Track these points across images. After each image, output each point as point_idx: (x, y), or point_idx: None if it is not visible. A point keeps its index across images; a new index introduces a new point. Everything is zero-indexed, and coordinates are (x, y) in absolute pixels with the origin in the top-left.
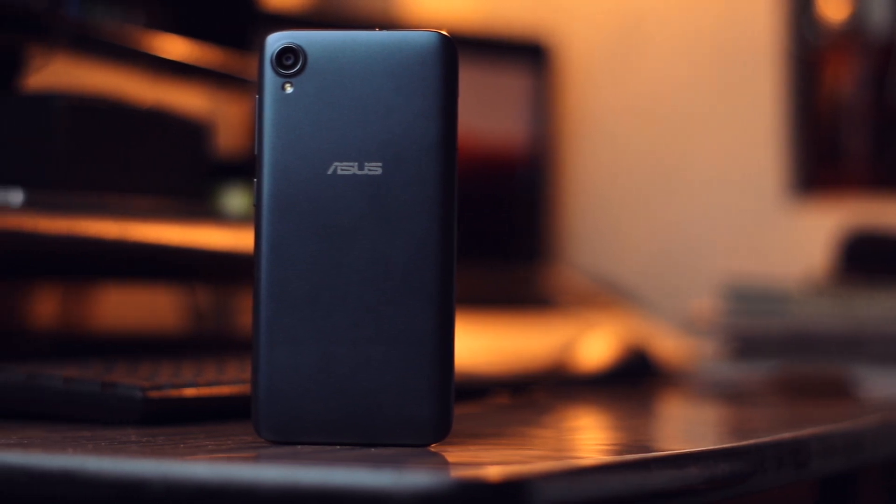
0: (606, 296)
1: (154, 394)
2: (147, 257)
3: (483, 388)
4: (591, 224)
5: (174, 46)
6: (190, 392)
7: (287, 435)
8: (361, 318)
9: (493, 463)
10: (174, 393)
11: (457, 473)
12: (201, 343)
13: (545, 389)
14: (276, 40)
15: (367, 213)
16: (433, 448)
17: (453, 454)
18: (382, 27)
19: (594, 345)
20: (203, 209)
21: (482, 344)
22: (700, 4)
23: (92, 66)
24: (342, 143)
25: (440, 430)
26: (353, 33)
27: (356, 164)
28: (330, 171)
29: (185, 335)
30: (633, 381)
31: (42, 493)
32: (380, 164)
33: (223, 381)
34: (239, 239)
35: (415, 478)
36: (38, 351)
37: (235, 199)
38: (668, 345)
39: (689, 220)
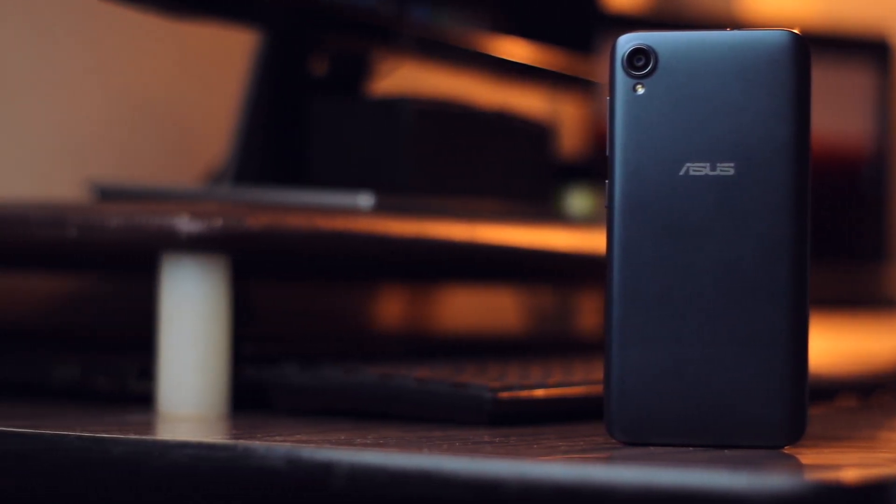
0: None
1: (504, 394)
2: (494, 259)
3: (831, 390)
4: None
5: (517, 49)
6: (540, 393)
7: (639, 436)
8: (713, 319)
9: (850, 466)
10: (524, 394)
11: (813, 476)
12: (546, 344)
13: (894, 392)
14: (626, 42)
15: (718, 213)
16: (787, 450)
17: (807, 456)
18: (732, 27)
19: None
20: (548, 211)
21: (829, 345)
22: None
23: (437, 69)
24: (694, 143)
25: (794, 432)
26: (703, 33)
27: (708, 164)
28: (682, 172)
29: (529, 336)
30: None
31: (400, 492)
32: (732, 164)
33: (572, 382)
34: (583, 240)
35: (772, 480)
36: (387, 352)
37: (579, 201)
38: None
39: None
